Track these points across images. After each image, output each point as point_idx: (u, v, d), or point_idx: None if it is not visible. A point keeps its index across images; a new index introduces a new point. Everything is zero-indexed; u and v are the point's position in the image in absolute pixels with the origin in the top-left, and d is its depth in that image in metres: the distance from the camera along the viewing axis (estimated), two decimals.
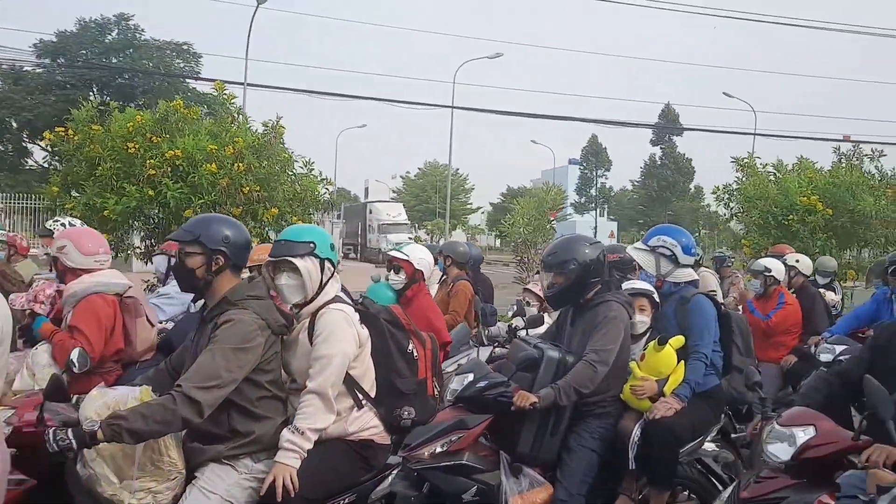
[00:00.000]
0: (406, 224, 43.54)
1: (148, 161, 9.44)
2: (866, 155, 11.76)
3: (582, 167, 68.80)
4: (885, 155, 11.52)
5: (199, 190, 9.55)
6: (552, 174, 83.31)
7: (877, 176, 11.63)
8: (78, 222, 6.44)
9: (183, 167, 9.63)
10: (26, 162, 31.39)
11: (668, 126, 57.53)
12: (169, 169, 9.52)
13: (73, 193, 10.18)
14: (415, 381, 3.66)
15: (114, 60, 30.88)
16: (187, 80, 31.29)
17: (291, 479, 2.94)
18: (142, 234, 10.22)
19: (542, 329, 5.39)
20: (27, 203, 25.40)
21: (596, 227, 62.39)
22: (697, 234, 75.52)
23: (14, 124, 29.55)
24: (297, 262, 3.28)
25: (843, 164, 11.80)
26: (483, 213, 79.31)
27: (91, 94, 30.61)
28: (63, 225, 6.34)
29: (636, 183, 69.06)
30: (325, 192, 10.61)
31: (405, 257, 5.31)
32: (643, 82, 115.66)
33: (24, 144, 31.21)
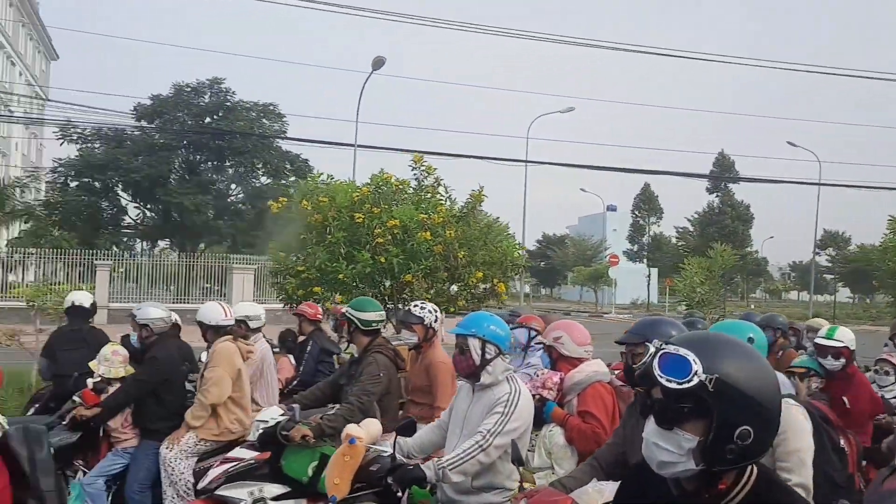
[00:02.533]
0: None
1: (375, 230, 10.27)
2: None
3: (634, 214, 69.43)
4: None
5: (416, 256, 10.34)
6: (589, 221, 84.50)
7: None
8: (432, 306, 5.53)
9: (399, 235, 10.44)
10: (123, 219, 32.67)
11: (722, 177, 58.12)
12: (390, 237, 10.34)
13: (292, 257, 11.06)
14: (846, 474, 3.89)
15: (207, 121, 32.25)
16: (276, 140, 32.54)
17: None
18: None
19: None
20: (198, 261, 26.81)
21: (649, 276, 62.97)
22: (744, 281, 75.26)
23: (119, 185, 30.84)
24: None
25: None
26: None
27: (181, 153, 32.17)
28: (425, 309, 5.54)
29: (680, 230, 69.36)
30: (521, 256, 11.31)
31: None
32: (696, 131, 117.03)
33: (122, 203, 32.52)
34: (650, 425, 1.80)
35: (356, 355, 5.09)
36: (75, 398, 5.45)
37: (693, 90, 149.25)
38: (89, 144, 31.89)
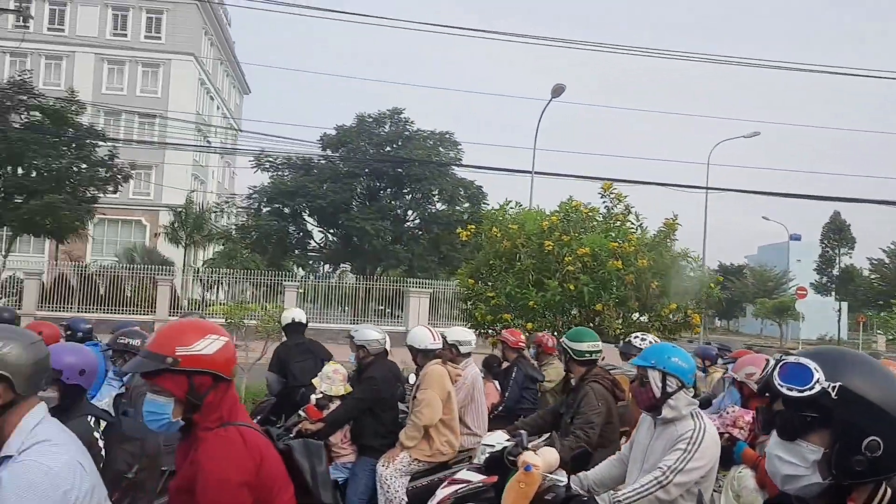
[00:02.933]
0: None
1: (565, 258, 10.24)
2: None
3: (823, 244, 65.21)
4: None
5: (607, 285, 10.19)
6: (770, 250, 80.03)
7: None
8: (653, 338, 6.10)
9: (589, 263, 10.33)
10: (308, 243, 34.56)
11: None
12: (580, 265, 10.26)
13: (479, 283, 11.25)
14: None
15: (387, 149, 33.61)
16: (452, 167, 33.37)
17: None
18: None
19: None
20: (375, 284, 28.34)
21: (840, 310, 58.70)
22: None
23: (306, 210, 32.71)
24: None
25: None
26: None
27: (363, 180, 33.65)
28: (645, 340, 6.30)
29: (874, 262, 64.17)
30: (715, 288, 10.90)
31: None
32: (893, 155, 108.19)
33: (308, 227, 34.43)
34: (773, 438, 1.73)
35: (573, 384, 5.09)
36: (300, 412, 5.78)
37: (888, 111, 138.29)
38: (280, 172, 34.03)
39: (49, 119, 31.68)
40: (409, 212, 34.60)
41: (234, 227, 36.98)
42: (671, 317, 10.83)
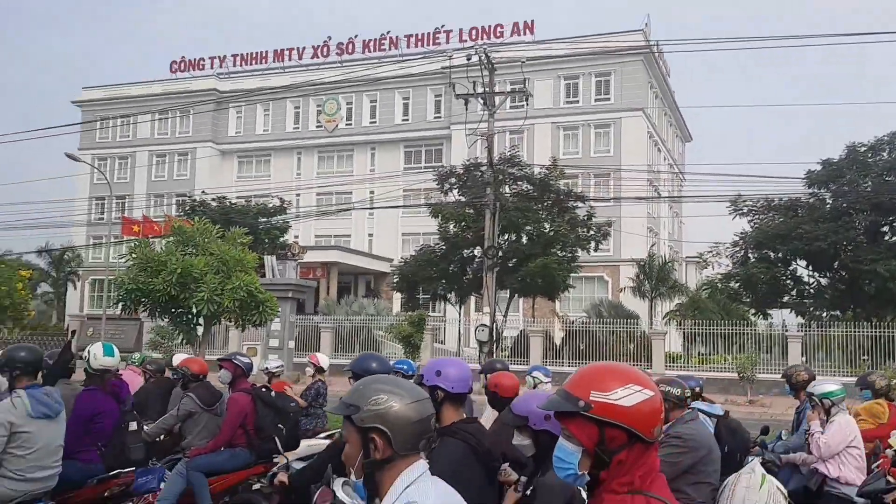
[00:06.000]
0: None
1: None
2: None
3: None
4: None
5: None
6: None
7: None
8: None
9: None
10: (803, 289, 31.92)
11: None
12: None
13: None
14: None
15: (889, 179, 29.80)
16: None
17: None
18: None
19: None
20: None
21: None
22: None
23: (798, 254, 30.40)
24: None
25: None
26: None
27: (863, 217, 30.04)
28: None
29: None
30: None
31: None
32: None
33: (795, 272, 31.93)
34: None
35: None
36: None
37: None
38: (761, 216, 32.16)
39: (534, 187, 34.22)
40: None
41: (717, 276, 36.00)
42: None
